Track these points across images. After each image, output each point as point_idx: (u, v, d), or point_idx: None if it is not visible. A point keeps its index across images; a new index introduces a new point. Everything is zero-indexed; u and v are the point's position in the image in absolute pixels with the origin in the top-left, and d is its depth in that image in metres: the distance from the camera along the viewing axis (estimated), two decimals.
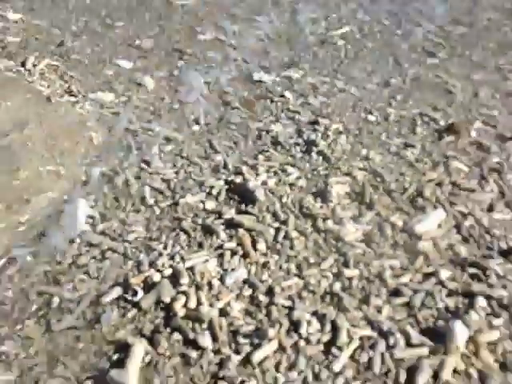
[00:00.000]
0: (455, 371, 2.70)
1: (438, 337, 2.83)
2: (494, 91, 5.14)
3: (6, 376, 2.68)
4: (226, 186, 3.76)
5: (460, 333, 2.79)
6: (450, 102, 4.94)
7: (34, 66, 4.66)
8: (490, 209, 3.77)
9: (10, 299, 3.03)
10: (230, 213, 3.53)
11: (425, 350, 2.78)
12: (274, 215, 3.55)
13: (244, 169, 3.89)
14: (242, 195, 3.69)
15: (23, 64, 4.63)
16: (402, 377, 2.68)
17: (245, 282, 3.13)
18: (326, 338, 2.81)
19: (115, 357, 2.74)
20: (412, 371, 2.70)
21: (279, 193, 3.72)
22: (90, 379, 2.65)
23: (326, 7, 6.56)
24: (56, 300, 3.01)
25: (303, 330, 2.83)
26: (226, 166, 3.95)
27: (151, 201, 3.63)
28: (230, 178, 3.83)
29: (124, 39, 5.52)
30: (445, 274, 3.24)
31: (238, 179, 3.79)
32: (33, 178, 3.51)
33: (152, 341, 2.80)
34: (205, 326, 2.85)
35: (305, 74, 5.18)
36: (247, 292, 3.07)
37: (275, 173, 3.91)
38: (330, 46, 5.76)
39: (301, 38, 5.86)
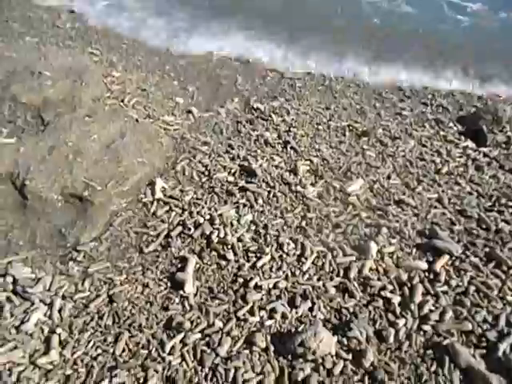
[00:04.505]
0: (370, 269, 2.63)
1: (361, 250, 2.73)
2: (388, 113, 4.90)
3: (118, 277, 2.56)
4: (239, 168, 3.59)
5: (373, 248, 2.72)
6: (364, 118, 4.71)
7: (129, 101, 4.40)
8: (389, 177, 3.61)
9: (117, 236, 2.86)
10: (241, 183, 3.38)
11: (353, 258, 2.69)
12: (267, 183, 3.40)
13: (249, 157, 3.71)
14: (248, 172, 3.52)
15: (122, 100, 4.37)
16: (341, 273, 2.59)
17: (251, 222, 3.00)
18: (298, 252, 2.73)
19: (179, 265, 2.66)
20: (346, 270, 2.61)
21: (269, 171, 3.56)
22: (166, 278, 2.58)
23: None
24: (146, 236, 2.87)
25: (285, 248, 2.73)
26: (239, 156, 3.75)
27: (197, 178, 3.46)
28: (241, 163, 3.65)
29: (180, 87, 5.21)
30: (363, 214, 3.11)
31: (246, 163, 3.62)
32: (129, 166, 3.33)
33: (200, 256, 2.71)
34: (229, 247, 2.77)
35: (282, 104, 4.91)
36: (253, 227, 2.96)
37: (267, 159, 3.73)
38: (295, 87, 5.46)
39: (280, 84, 5.56)
